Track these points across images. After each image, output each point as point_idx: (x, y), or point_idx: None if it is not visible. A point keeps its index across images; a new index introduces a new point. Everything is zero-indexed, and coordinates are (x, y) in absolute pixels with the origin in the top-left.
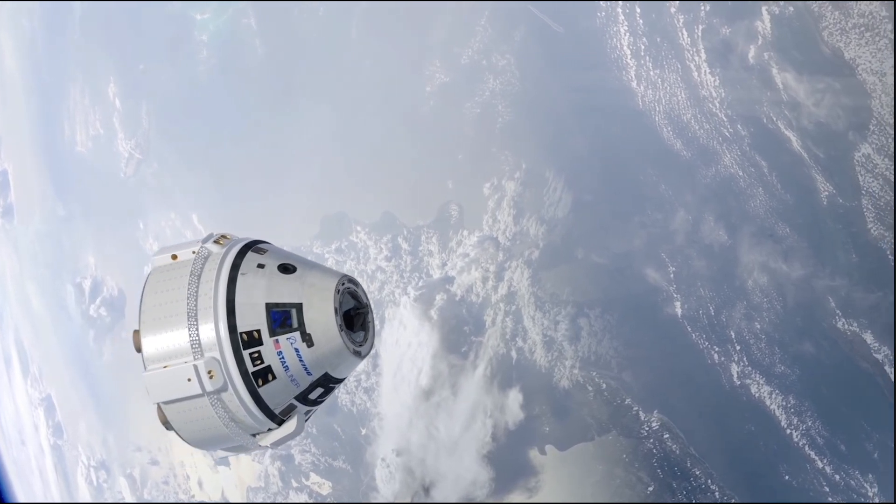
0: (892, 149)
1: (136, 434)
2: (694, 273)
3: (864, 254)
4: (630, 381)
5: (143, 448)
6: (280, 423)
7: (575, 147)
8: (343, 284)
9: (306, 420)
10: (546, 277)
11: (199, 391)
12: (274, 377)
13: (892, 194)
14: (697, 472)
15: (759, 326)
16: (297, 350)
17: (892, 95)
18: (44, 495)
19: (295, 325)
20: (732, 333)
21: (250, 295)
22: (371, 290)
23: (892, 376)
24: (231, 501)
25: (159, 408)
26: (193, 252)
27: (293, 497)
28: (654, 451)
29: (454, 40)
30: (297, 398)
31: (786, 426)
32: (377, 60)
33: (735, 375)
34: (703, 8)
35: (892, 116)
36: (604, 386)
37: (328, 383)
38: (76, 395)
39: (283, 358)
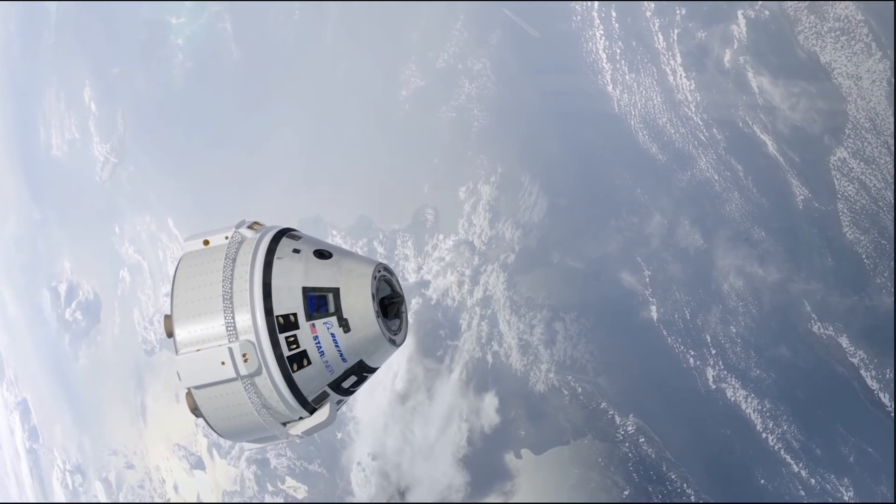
0: (868, 152)
1: (111, 438)
2: (669, 277)
3: (839, 258)
4: (606, 385)
5: (119, 452)
6: (312, 411)
7: (551, 151)
8: (379, 272)
9: (337, 410)
10: (522, 281)
11: (233, 375)
12: (309, 362)
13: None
14: (673, 476)
15: (734, 330)
16: (333, 335)
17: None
18: (19, 499)
19: (332, 309)
20: (708, 337)
21: (287, 279)
22: None
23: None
24: (209, 502)
25: (189, 394)
26: (226, 237)
27: (269, 499)
28: (630, 454)
29: (429, 44)
30: (330, 385)
31: (761, 430)
32: (353, 64)
33: (711, 379)
34: (678, 12)
35: (870, 120)
36: (579, 390)
37: (362, 372)
38: (52, 398)
39: (318, 343)
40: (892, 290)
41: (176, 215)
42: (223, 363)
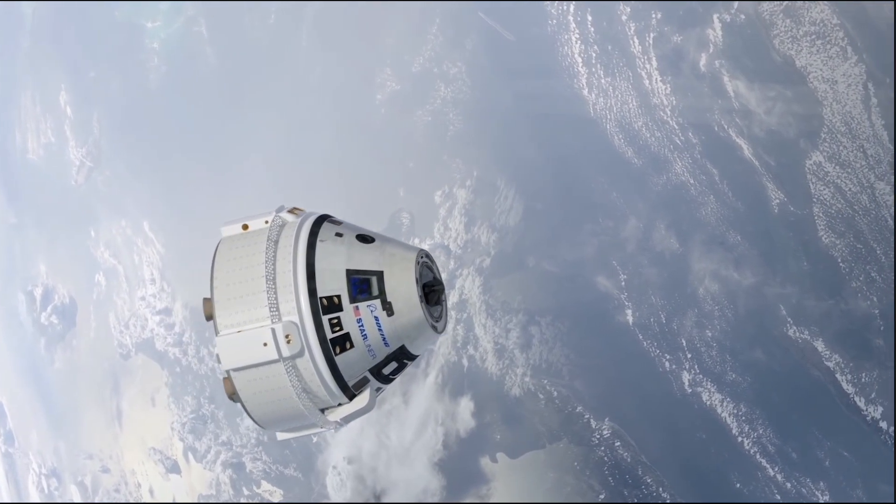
0: (844, 156)
1: (87, 442)
2: (645, 281)
3: (815, 262)
4: (581, 388)
5: (95, 456)
6: (351, 397)
7: (526, 155)
8: (421, 258)
9: (376, 397)
10: (497, 285)
11: (275, 356)
12: (351, 345)
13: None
14: (649, 480)
15: (710, 334)
16: (376, 318)
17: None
18: None
19: (375, 292)
20: (684, 341)
21: (330, 261)
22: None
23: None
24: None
25: (226, 379)
26: (265, 222)
27: (244, 502)
28: (606, 458)
29: (405, 48)
30: (371, 371)
31: (737, 434)
32: (328, 68)
33: (686, 383)
34: (654, 16)
35: (845, 124)
36: (555, 394)
37: (403, 358)
38: (27, 402)
39: (362, 326)
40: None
41: (152, 219)
42: (265, 344)
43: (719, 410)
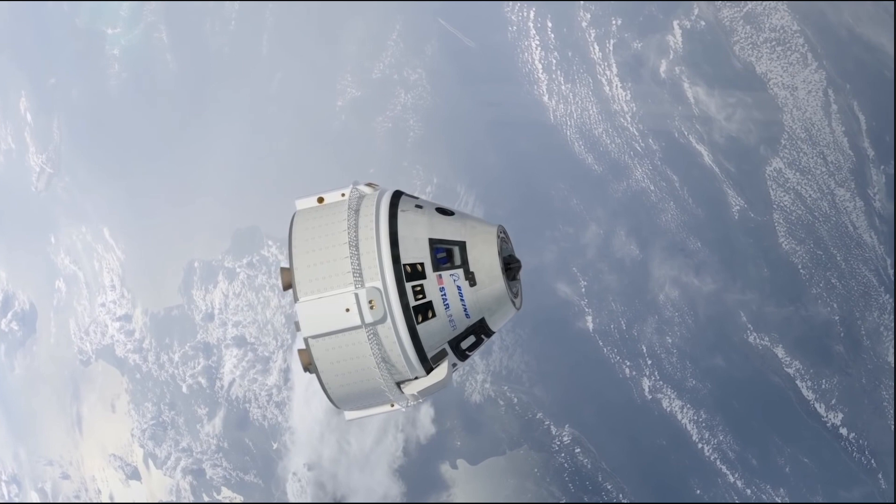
0: (804, 163)
1: (47, 448)
2: (605, 287)
3: (775, 268)
4: (541, 395)
5: (55, 462)
6: (429, 370)
7: (486, 161)
8: (501, 233)
9: (453, 372)
10: None
11: (357, 322)
12: (433, 314)
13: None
14: (609, 487)
15: (670, 341)
16: (459, 288)
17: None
18: None
19: (458, 262)
20: (644, 348)
21: (413, 229)
22: (282, 305)
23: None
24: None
25: (302, 351)
26: (342, 194)
27: None
28: (566, 465)
29: (365, 55)
30: (450, 343)
31: (697, 440)
32: (288, 74)
33: (646, 390)
34: (614, 22)
35: (805, 130)
36: (515, 400)
37: (481, 332)
38: None
39: (444, 294)
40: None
41: (112, 225)
42: (347, 310)
43: (679, 417)
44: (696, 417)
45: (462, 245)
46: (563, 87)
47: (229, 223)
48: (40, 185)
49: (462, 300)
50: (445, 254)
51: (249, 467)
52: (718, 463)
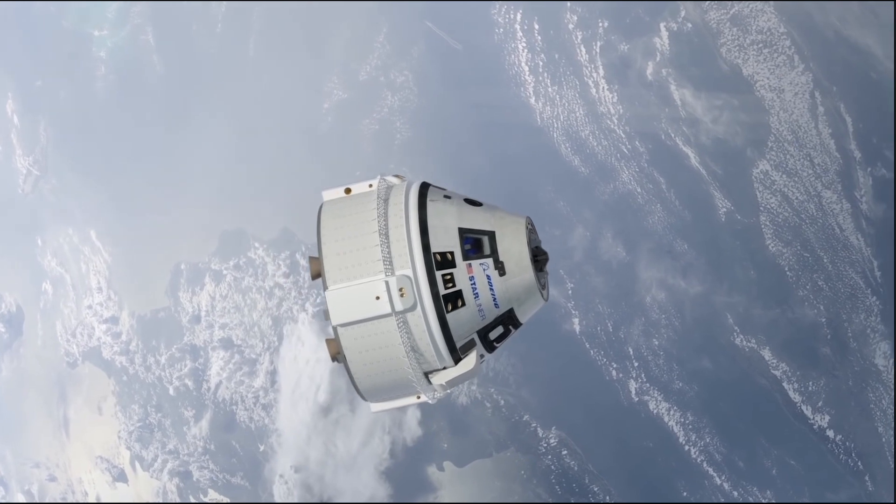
0: (791, 165)
1: (34, 450)
2: (592, 289)
3: (761, 270)
4: (528, 397)
5: (42, 464)
6: (457, 360)
7: (473, 163)
8: (529, 225)
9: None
10: None
11: (388, 310)
12: (463, 303)
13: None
14: (595, 489)
15: (657, 343)
16: (488, 277)
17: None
18: None
19: (487, 251)
20: (631, 350)
21: (442, 219)
22: (269, 307)
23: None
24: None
25: (330, 340)
26: (370, 185)
27: None
28: (553, 467)
29: (352, 57)
30: (478, 333)
31: (684, 442)
32: (275, 77)
33: (633, 392)
34: (601, 24)
35: (792, 132)
36: (502, 402)
37: (509, 323)
38: None
39: (474, 284)
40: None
41: (99, 228)
42: (377, 298)
43: (666, 419)
44: (682, 419)
45: (491, 235)
46: (549, 90)
47: (216, 225)
48: (27, 187)
49: (491, 289)
50: (474, 244)
51: (236, 469)
52: (705, 465)
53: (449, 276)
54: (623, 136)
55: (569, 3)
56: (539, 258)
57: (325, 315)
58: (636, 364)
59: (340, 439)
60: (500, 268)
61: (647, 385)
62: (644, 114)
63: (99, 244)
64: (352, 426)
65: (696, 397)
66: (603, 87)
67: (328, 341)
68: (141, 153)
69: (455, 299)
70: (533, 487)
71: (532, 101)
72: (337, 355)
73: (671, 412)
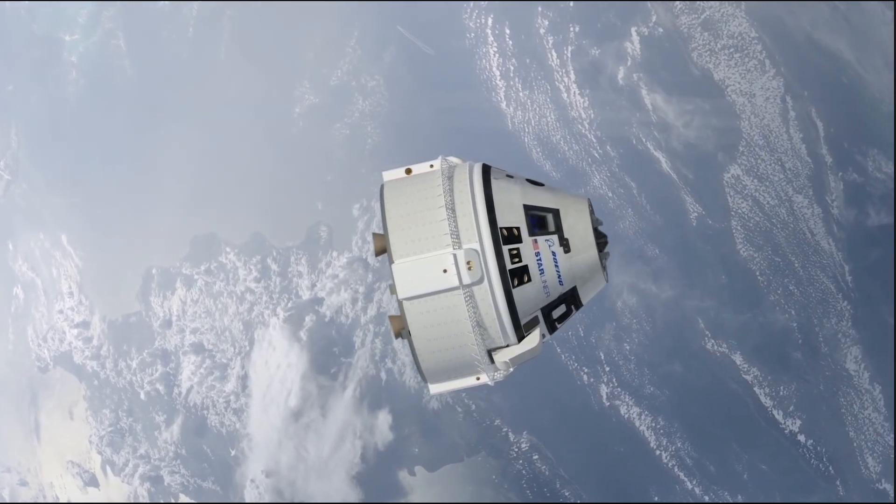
0: (762, 169)
1: (4, 455)
2: None
3: (733, 275)
4: (499, 401)
5: (13, 469)
6: (520, 338)
7: None
8: (590, 206)
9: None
10: None
11: (455, 283)
12: (529, 279)
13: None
14: (567, 493)
15: (628, 347)
16: (554, 253)
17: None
18: None
19: (552, 228)
20: (602, 354)
21: (507, 195)
22: (240, 312)
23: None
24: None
25: (394, 318)
26: (431, 165)
27: None
28: (524, 472)
29: (323, 61)
30: (542, 311)
31: (655, 447)
32: (246, 81)
33: (604, 396)
34: (572, 29)
35: (763, 137)
36: (473, 407)
37: (572, 303)
38: None
39: (539, 260)
40: None
41: (70, 232)
42: (445, 271)
43: (637, 424)
44: (653, 424)
45: (556, 212)
46: (521, 94)
47: (187, 230)
48: None
49: (556, 266)
50: (539, 221)
51: (207, 474)
52: (676, 469)
53: (515, 251)
54: (594, 140)
55: (539, 8)
56: (600, 239)
57: (390, 290)
58: (607, 368)
59: (311, 444)
60: (565, 245)
61: (619, 390)
62: (615, 118)
63: (70, 249)
64: (323, 431)
65: (667, 402)
66: (574, 92)
67: (391, 318)
68: (112, 158)
69: (521, 274)
70: (504, 492)
71: (503, 105)
72: (401, 331)
73: (642, 417)
